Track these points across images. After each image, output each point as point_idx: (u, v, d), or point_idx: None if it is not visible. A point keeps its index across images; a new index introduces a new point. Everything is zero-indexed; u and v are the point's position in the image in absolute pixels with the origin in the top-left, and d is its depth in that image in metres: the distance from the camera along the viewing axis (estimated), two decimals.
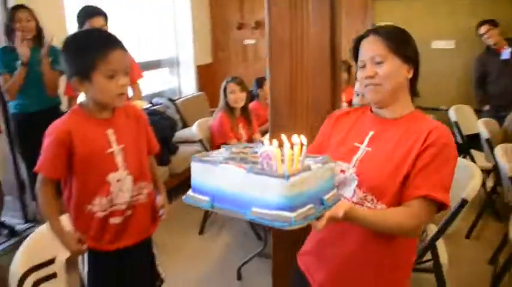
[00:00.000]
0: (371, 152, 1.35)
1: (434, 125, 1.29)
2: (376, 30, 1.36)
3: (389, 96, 1.34)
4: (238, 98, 3.47)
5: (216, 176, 1.07)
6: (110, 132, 1.57)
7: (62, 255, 1.80)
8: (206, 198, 1.09)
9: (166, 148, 4.27)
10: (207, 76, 6.14)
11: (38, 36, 3.17)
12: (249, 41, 6.25)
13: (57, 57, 3.18)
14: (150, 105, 5.08)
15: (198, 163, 1.11)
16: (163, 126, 4.37)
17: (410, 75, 1.35)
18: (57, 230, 1.57)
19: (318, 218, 1.06)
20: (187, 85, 6.18)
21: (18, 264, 1.64)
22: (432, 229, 2.17)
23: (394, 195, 1.27)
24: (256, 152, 1.14)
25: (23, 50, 3.01)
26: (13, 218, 3.73)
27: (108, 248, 1.64)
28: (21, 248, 1.70)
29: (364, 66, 1.36)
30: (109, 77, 1.47)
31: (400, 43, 1.34)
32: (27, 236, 1.76)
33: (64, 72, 3.03)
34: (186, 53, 6.08)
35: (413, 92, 1.40)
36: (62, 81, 3.15)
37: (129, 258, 1.70)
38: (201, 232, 3.68)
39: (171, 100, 5.34)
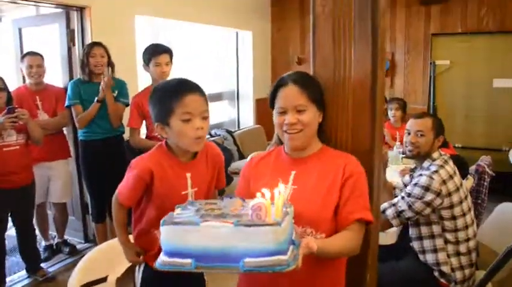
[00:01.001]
0: (297, 189, 1.46)
1: (345, 158, 1.48)
2: (295, 80, 1.48)
3: (307, 140, 1.49)
4: None
5: (199, 236, 1.09)
6: (188, 175, 1.62)
7: (114, 274, 1.93)
8: (188, 260, 1.09)
9: None
10: (265, 109, 6.24)
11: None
12: None
13: (122, 90, 3.42)
14: (209, 136, 5.26)
15: (172, 226, 1.13)
16: None
17: (320, 120, 1.51)
18: (122, 240, 1.71)
19: None
20: (246, 118, 6.34)
21: (75, 279, 1.80)
22: (478, 275, 2.10)
23: (330, 223, 1.41)
24: (224, 207, 1.25)
25: (107, 93, 3.25)
26: (75, 237, 3.98)
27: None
28: (79, 265, 1.86)
29: (284, 112, 1.47)
30: (185, 120, 1.49)
31: (317, 93, 1.49)
32: None
33: (128, 105, 3.29)
34: (246, 86, 6.28)
35: (321, 132, 1.55)
36: (126, 112, 3.36)
37: (182, 281, 1.76)
38: None
39: (229, 132, 5.50)
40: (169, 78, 2.70)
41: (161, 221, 1.16)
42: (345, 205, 1.40)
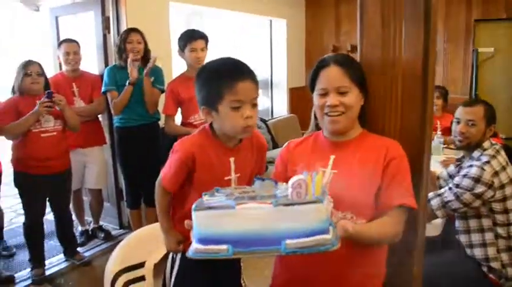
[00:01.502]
0: (338, 174, 1.41)
1: (388, 141, 1.43)
2: (337, 61, 1.43)
3: (350, 124, 1.44)
4: None
5: (235, 220, 1.02)
6: (232, 160, 1.56)
7: (152, 260, 1.92)
8: (224, 246, 1.02)
9: None
10: (299, 98, 6.19)
11: (145, 58, 3.38)
12: None
13: (158, 77, 3.39)
14: None
15: (206, 211, 1.05)
16: None
17: (362, 103, 1.46)
18: (165, 227, 1.66)
19: None
20: (280, 106, 6.28)
21: (113, 264, 1.79)
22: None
23: (371, 208, 1.35)
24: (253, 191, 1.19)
25: (133, 72, 3.23)
26: (110, 224, 4.02)
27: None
28: (117, 250, 1.84)
29: (325, 94, 1.42)
30: (235, 108, 1.41)
31: (360, 75, 1.45)
32: (121, 240, 1.89)
33: (164, 91, 3.26)
34: (280, 75, 6.20)
35: (363, 117, 1.50)
36: (162, 99, 3.35)
37: (219, 271, 1.73)
38: None
39: (263, 120, 5.45)
40: None
41: (193, 207, 1.07)
42: (386, 189, 1.35)
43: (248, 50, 5.97)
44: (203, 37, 3.09)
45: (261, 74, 6.19)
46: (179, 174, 1.55)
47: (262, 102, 6.30)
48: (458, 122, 2.26)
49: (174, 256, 1.75)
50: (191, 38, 3.04)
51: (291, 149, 1.59)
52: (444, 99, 4.17)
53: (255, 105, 1.45)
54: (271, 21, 6.09)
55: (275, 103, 6.31)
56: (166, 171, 1.58)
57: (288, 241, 0.99)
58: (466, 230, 2.17)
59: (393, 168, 1.36)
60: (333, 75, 1.41)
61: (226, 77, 1.41)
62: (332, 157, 1.44)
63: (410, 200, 1.33)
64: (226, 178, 1.55)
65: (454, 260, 2.18)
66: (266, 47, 6.19)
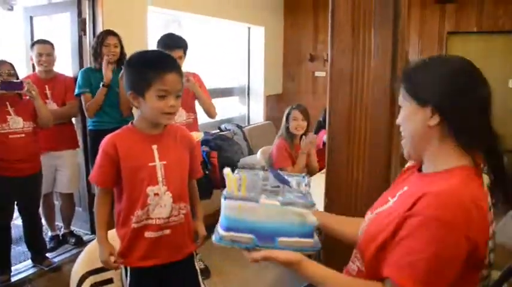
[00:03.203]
0: (391, 207, 1.15)
1: (435, 189, 0.99)
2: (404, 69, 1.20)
3: (412, 148, 1.14)
4: (299, 125, 3.47)
5: (256, 213, 1.09)
6: (155, 147, 1.65)
7: None
8: (250, 236, 1.10)
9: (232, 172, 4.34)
10: (276, 106, 6.22)
11: (120, 61, 3.35)
12: (320, 73, 6.29)
13: None
14: (218, 130, 5.21)
15: (234, 201, 1.10)
16: (230, 151, 4.46)
17: (434, 122, 1.06)
18: (99, 236, 1.69)
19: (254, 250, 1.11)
20: (256, 113, 6.29)
21: (80, 266, 1.77)
22: (494, 275, 2.01)
23: (371, 259, 1.09)
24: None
25: (107, 73, 3.21)
26: (81, 229, 3.95)
27: (143, 264, 1.69)
28: (84, 252, 1.83)
29: None
30: (160, 97, 1.55)
31: (419, 83, 1.10)
32: None
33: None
34: (257, 82, 6.22)
35: (462, 143, 1.06)
36: None
37: (169, 276, 1.74)
38: None
39: (239, 127, 5.45)
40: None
41: (222, 195, 1.12)
42: (390, 251, 1.03)
43: (226, 56, 5.97)
44: (182, 47, 3.08)
45: (238, 81, 6.20)
46: (105, 166, 1.62)
47: (239, 109, 6.30)
48: None
49: (126, 274, 1.75)
50: (169, 46, 3.02)
51: (403, 170, 1.35)
52: None
53: (178, 96, 1.60)
54: (249, 28, 6.11)
55: (252, 110, 6.32)
56: (93, 168, 1.66)
57: (280, 239, 1.09)
58: None
59: (408, 227, 0.99)
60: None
61: (156, 68, 1.55)
62: (405, 188, 1.18)
63: (404, 280, 0.95)
64: (150, 164, 1.62)
65: None
66: (244, 54, 6.21)
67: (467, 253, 0.94)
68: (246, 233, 1.08)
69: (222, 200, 1.11)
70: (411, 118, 1.10)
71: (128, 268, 1.73)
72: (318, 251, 1.14)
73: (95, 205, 1.70)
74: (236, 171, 1.30)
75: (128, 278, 1.73)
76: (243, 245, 1.09)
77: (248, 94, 6.30)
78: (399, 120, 1.15)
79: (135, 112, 3.29)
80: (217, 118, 5.56)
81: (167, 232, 1.70)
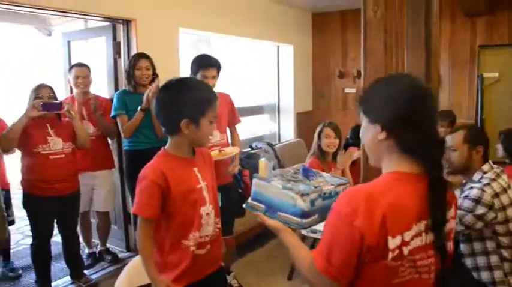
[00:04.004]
0: None
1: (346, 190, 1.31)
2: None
3: (370, 158, 1.28)
4: (331, 143, 3.47)
5: (267, 190, 1.43)
6: (196, 170, 1.72)
7: None
8: (261, 205, 1.44)
9: None
10: (306, 123, 6.23)
11: (152, 82, 3.41)
12: (350, 90, 6.28)
13: None
14: (250, 149, 5.25)
15: (257, 180, 1.47)
16: None
17: (382, 137, 1.18)
18: (152, 274, 1.67)
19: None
20: (287, 131, 6.31)
21: (121, 284, 1.80)
22: None
23: None
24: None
25: (147, 98, 3.27)
26: (117, 246, 4.03)
27: (193, 280, 1.72)
28: (125, 271, 1.87)
29: None
30: (211, 122, 1.69)
31: (369, 100, 1.24)
32: (128, 263, 1.91)
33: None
34: (287, 100, 6.25)
35: (406, 153, 1.18)
36: None
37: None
38: (289, 278, 3.65)
39: (270, 145, 5.47)
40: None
41: (253, 175, 1.48)
42: None
43: (255, 75, 6.05)
44: (215, 66, 3.14)
45: (268, 99, 6.25)
46: (155, 197, 1.62)
47: (270, 127, 6.35)
48: None
49: None
50: (204, 65, 3.09)
51: None
52: (451, 125, 4.17)
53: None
54: (278, 47, 6.18)
55: (282, 128, 6.35)
56: (140, 201, 1.63)
57: (280, 213, 1.38)
58: (470, 253, 2.17)
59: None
60: None
61: (208, 98, 1.68)
62: None
63: (316, 254, 1.17)
64: (198, 186, 1.70)
65: (460, 285, 2.17)
66: (273, 73, 6.27)
67: (359, 239, 1.08)
68: (260, 203, 1.44)
69: (254, 178, 1.48)
70: (365, 133, 1.25)
71: None
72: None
73: (140, 239, 1.68)
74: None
75: None
76: (257, 211, 1.44)
77: (278, 112, 6.34)
78: (360, 133, 1.29)
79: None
80: (248, 136, 5.63)
81: (209, 246, 1.75)
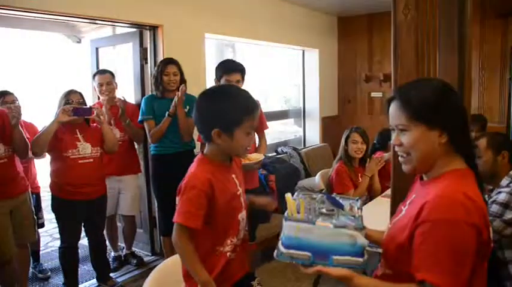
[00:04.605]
0: (404, 215, 1.31)
1: (433, 195, 1.16)
2: (400, 94, 1.27)
3: (421, 165, 1.27)
4: (359, 149, 3.43)
5: (312, 233, 1.25)
6: (234, 176, 1.68)
7: None
8: (307, 253, 1.25)
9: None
10: (332, 127, 6.18)
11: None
12: (376, 94, 6.21)
13: (192, 106, 3.44)
14: (275, 153, 5.24)
15: (293, 223, 1.27)
16: (286, 174, 4.46)
17: (444, 140, 1.23)
18: (205, 279, 1.55)
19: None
20: (312, 136, 6.27)
21: None
22: None
23: (394, 261, 1.25)
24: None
25: (174, 103, 3.28)
26: (142, 250, 4.06)
27: (228, 283, 1.70)
28: (152, 275, 1.85)
29: (393, 130, 1.31)
30: (247, 134, 1.58)
31: (423, 108, 1.22)
32: (153, 267, 1.91)
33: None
34: (313, 104, 6.22)
35: (464, 153, 1.27)
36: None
37: None
38: (315, 285, 3.59)
39: (296, 149, 5.45)
40: None
41: (284, 217, 1.28)
42: (414, 256, 1.17)
43: (281, 80, 6.04)
44: (240, 70, 3.14)
45: (294, 103, 6.23)
46: (203, 207, 1.54)
47: (295, 131, 6.32)
48: None
49: None
50: (228, 70, 3.08)
51: (415, 179, 1.47)
52: (482, 129, 4.07)
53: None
54: (303, 51, 6.16)
55: (307, 132, 6.31)
56: (186, 210, 1.55)
57: (335, 257, 1.22)
58: (502, 262, 2.09)
59: (420, 234, 1.15)
60: (392, 110, 1.29)
61: (247, 107, 1.56)
62: (413, 196, 1.34)
63: (438, 278, 1.10)
64: (238, 193, 1.67)
65: None
66: (299, 77, 6.25)
67: (476, 240, 1.10)
68: (304, 251, 1.23)
69: (284, 221, 1.26)
70: (422, 140, 1.23)
71: None
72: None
73: (183, 246, 1.58)
74: (295, 194, 1.46)
75: None
76: (301, 261, 1.24)
77: (304, 116, 6.31)
78: (407, 142, 1.24)
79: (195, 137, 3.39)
80: (274, 141, 5.61)
81: (238, 250, 1.72)
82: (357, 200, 1.48)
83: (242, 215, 1.69)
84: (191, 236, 1.58)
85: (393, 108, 1.27)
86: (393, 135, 1.30)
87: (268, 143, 4.15)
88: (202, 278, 1.55)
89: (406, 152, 1.26)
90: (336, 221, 1.24)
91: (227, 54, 5.55)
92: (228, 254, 1.66)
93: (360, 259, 1.19)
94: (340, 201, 1.43)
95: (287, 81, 6.24)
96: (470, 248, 1.10)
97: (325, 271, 1.23)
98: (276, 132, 6.14)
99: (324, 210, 1.33)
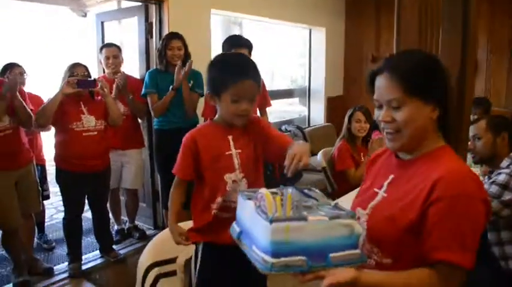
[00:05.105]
0: (386, 198, 1.24)
1: (443, 172, 1.10)
2: (392, 66, 1.19)
3: (411, 143, 1.20)
4: (362, 127, 3.42)
5: (306, 232, 1.02)
6: (230, 137, 1.72)
7: (183, 256, 1.97)
8: (302, 258, 1.01)
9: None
10: (336, 108, 6.16)
11: (185, 62, 3.40)
12: None
13: (197, 81, 3.45)
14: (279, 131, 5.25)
15: (284, 223, 1.01)
16: None
17: (435, 115, 1.18)
18: (170, 221, 1.79)
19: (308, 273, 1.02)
20: (317, 115, 6.26)
21: (146, 257, 1.86)
22: None
23: (397, 247, 1.15)
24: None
25: (178, 78, 3.29)
26: (144, 224, 4.12)
27: (225, 239, 1.72)
28: (150, 244, 1.93)
29: (380, 107, 1.21)
30: (234, 101, 1.61)
31: (422, 82, 1.16)
32: None
33: (203, 95, 3.31)
34: (318, 84, 6.19)
35: (447, 129, 1.23)
36: (201, 103, 3.41)
37: (238, 257, 1.75)
38: None
39: (300, 128, 5.45)
40: None
41: (266, 219, 1.01)
42: (429, 235, 1.09)
43: (287, 58, 6.00)
44: (247, 46, 3.13)
45: (299, 82, 6.21)
46: (186, 158, 1.71)
47: (299, 110, 6.31)
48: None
49: (198, 251, 1.80)
50: (235, 45, 3.08)
51: (369, 164, 1.49)
52: (485, 112, 4.04)
53: (252, 101, 1.64)
54: (310, 30, 6.10)
55: (312, 112, 6.30)
56: (177, 163, 1.74)
57: (253, 247, 1.05)
58: (498, 242, 2.11)
59: (438, 212, 1.08)
60: (384, 85, 1.19)
61: (233, 73, 1.60)
62: (390, 177, 1.27)
63: (458, 257, 1.05)
64: (227, 153, 1.70)
65: (488, 274, 2.13)
66: (305, 56, 6.21)
67: (487, 211, 1.10)
68: (297, 255, 0.99)
69: (266, 224, 0.99)
70: (417, 116, 1.16)
71: (201, 244, 1.80)
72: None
73: (170, 194, 1.79)
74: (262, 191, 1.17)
75: (200, 254, 1.80)
76: (298, 269, 1.00)
77: (309, 96, 6.29)
78: (402, 119, 1.16)
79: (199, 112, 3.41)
80: (278, 119, 5.61)
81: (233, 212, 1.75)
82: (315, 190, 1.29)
83: (232, 176, 1.70)
84: (194, 191, 1.77)
85: (383, 82, 1.19)
86: (378, 112, 1.22)
87: (272, 121, 4.17)
88: (169, 223, 1.78)
89: (397, 129, 1.18)
90: (324, 213, 1.06)
91: (234, 32, 5.52)
92: (213, 211, 1.71)
93: (357, 251, 1.05)
94: (306, 191, 1.25)
95: (294, 61, 6.20)
96: (483, 224, 1.10)
97: (334, 281, 1.01)
98: (280, 111, 6.14)
99: (300, 203, 1.13)
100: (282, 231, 0.98)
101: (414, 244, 1.12)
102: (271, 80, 6.19)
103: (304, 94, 6.27)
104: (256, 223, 1.04)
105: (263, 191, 1.12)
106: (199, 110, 3.43)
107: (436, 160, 1.17)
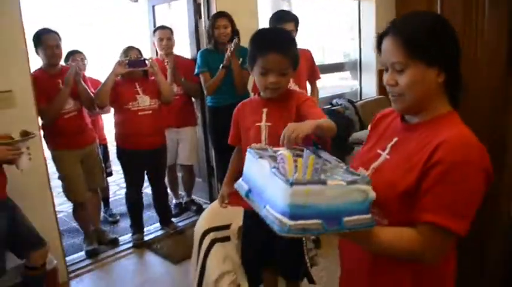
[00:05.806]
0: (389, 160, 1.22)
1: (446, 137, 1.08)
2: (396, 28, 1.15)
3: (416, 106, 1.17)
4: None
5: (325, 196, 0.99)
6: (264, 110, 1.82)
7: (236, 223, 2.07)
8: (318, 221, 0.98)
9: (342, 147, 4.37)
10: None
11: (233, 39, 3.44)
12: None
13: (245, 58, 3.50)
14: (330, 105, 5.23)
15: (305, 187, 0.98)
16: (340, 126, 4.46)
17: (441, 79, 1.13)
18: (224, 181, 2.01)
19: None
20: (368, 88, 6.16)
21: (202, 222, 2.00)
22: None
23: (393, 208, 1.14)
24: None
25: (226, 56, 3.36)
26: (201, 198, 4.29)
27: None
28: (206, 211, 2.07)
29: (387, 70, 1.18)
30: (262, 73, 1.72)
31: (426, 44, 1.11)
32: None
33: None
34: (369, 57, 6.07)
35: (455, 95, 1.18)
36: (251, 79, 3.48)
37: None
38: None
39: (351, 102, 5.40)
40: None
41: (286, 182, 0.97)
42: (423, 196, 1.09)
43: (336, 31, 5.93)
44: (293, 20, 3.15)
45: (350, 56, 6.12)
46: (234, 127, 1.97)
47: (352, 84, 6.23)
48: None
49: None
50: (281, 19, 3.12)
51: (373, 123, 1.44)
52: None
53: (283, 74, 1.71)
54: (359, 2, 5.98)
55: (364, 85, 6.21)
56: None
57: (267, 207, 1.02)
58: None
59: (435, 176, 1.07)
60: (388, 47, 1.16)
61: (260, 46, 1.71)
62: (395, 139, 1.24)
63: (450, 222, 1.05)
64: (257, 124, 1.82)
65: None
66: (355, 29, 6.10)
67: (486, 184, 1.07)
68: (313, 219, 0.97)
69: (286, 186, 0.97)
70: (420, 80, 1.12)
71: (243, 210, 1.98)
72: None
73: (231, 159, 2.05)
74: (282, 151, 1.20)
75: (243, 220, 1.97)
76: (314, 232, 0.99)
77: (360, 69, 6.19)
78: (405, 84, 1.13)
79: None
80: (329, 93, 5.59)
81: None
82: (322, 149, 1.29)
83: (257, 147, 1.77)
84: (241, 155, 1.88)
85: (388, 44, 1.15)
86: (385, 75, 1.18)
87: (324, 96, 4.17)
88: (225, 179, 2.02)
89: (400, 93, 1.15)
90: (340, 178, 1.05)
91: (283, 8, 5.51)
92: None
93: (369, 216, 1.03)
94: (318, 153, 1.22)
95: (345, 35, 6.11)
96: (480, 192, 1.07)
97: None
98: (332, 87, 6.10)
99: (318, 165, 1.09)
100: (301, 194, 0.96)
101: (412, 208, 1.11)
102: (323, 55, 6.16)
103: (355, 67, 6.18)
104: (272, 183, 1.02)
105: (284, 152, 1.13)
106: (250, 86, 3.50)
107: (441, 125, 1.14)
